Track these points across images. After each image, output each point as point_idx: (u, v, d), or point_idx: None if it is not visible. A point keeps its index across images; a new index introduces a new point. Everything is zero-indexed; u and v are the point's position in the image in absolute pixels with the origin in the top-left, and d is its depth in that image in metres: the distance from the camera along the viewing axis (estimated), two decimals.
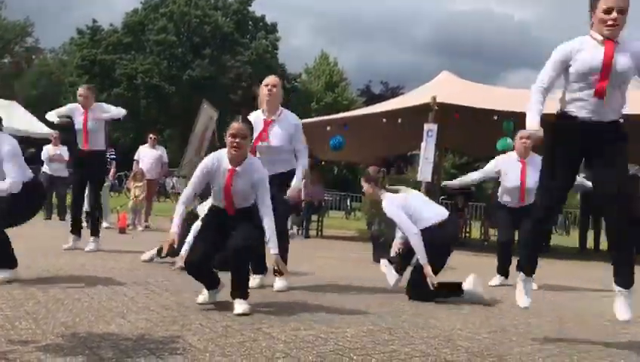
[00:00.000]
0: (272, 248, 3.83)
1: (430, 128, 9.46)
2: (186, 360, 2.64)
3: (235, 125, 3.80)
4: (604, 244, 12.27)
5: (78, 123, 6.54)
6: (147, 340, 2.91)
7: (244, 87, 38.27)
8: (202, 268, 3.85)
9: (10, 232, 4.29)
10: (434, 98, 9.62)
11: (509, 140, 8.97)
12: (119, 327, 3.13)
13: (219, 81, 39.01)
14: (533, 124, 3.33)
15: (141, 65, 38.46)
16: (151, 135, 11.22)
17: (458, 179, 6.57)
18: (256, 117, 4.73)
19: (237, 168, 3.82)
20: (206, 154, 10.88)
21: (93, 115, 6.52)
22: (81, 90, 6.65)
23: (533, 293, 5.42)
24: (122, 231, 8.97)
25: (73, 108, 6.67)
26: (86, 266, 5.21)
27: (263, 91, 4.80)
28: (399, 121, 10.22)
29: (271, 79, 4.88)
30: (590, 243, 12.35)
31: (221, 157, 3.90)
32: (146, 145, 10.90)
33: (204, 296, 3.91)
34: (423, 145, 9.50)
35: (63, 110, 6.75)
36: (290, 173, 4.81)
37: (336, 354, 2.91)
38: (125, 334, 2.99)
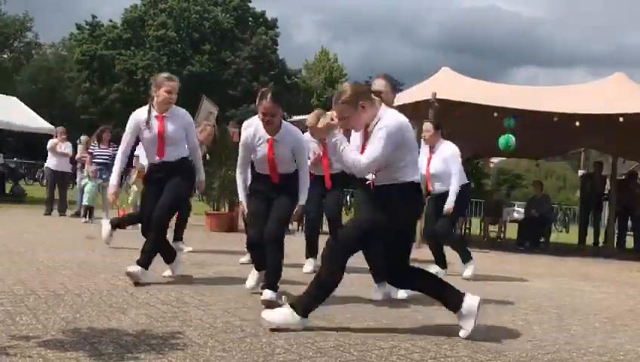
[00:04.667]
0: (300, 200, 4.28)
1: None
2: (186, 355, 2.64)
3: (265, 104, 4.05)
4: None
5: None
6: (147, 335, 2.92)
7: (243, 82, 38.24)
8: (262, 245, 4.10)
9: (13, 230, 4.30)
10: (434, 94, 9.61)
11: (511, 138, 8.95)
12: (119, 323, 3.14)
13: (218, 76, 39.00)
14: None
15: (141, 60, 38.44)
16: None
17: None
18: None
19: (275, 137, 4.14)
20: (205, 151, 10.77)
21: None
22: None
23: (533, 290, 5.45)
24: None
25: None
26: (86, 262, 5.21)
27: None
28: None
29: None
30: (589, 239, 12.37)
31: (257, 127, 4.19)
32: None
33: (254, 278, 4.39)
34: (423, 142, 9.48)
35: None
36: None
37: (336, 349, 2.92)
38: (126, 329, 3.00)
